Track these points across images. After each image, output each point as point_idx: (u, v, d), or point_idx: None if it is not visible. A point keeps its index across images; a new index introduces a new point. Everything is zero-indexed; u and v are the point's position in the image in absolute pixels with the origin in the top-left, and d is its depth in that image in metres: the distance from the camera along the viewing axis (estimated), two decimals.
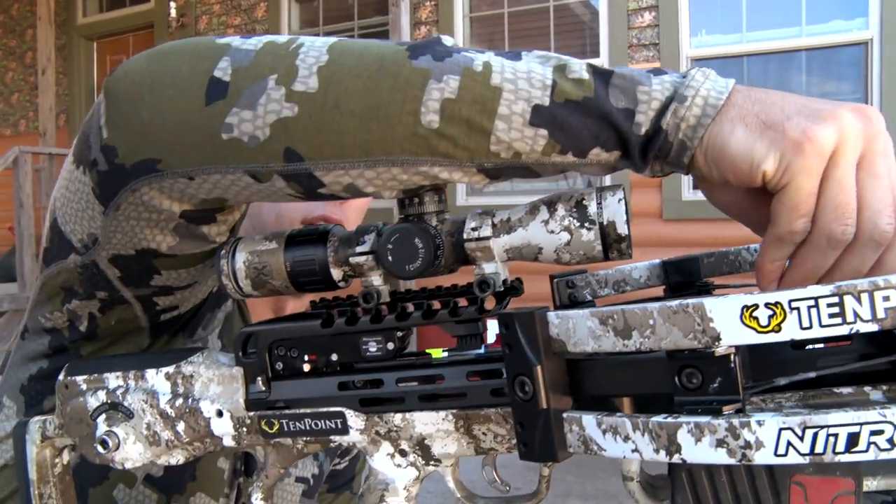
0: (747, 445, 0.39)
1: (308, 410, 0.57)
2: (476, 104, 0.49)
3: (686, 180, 4.67)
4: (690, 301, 0.40)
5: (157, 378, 0.62)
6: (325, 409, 0.57)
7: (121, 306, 0.69)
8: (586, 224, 0.49)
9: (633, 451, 0.43)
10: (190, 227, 0.61)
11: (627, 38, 5.06)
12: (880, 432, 0.35)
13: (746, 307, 0.39)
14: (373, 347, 0.56)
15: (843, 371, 0.46)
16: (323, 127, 0.51)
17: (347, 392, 0.56)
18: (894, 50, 4.42)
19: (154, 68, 0.56)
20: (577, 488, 3.12)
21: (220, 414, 0.60)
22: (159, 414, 0.61)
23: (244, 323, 0.89)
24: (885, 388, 0.48)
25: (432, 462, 0.56)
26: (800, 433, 0.38)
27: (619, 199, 0.49)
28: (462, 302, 0.54)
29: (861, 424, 0.36)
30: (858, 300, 0.36)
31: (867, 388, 0.48)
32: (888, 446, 0.35)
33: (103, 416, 0.62)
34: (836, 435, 0.37)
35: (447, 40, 0.54)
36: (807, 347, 0.49)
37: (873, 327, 0.36)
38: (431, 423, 0.54)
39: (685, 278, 0.66)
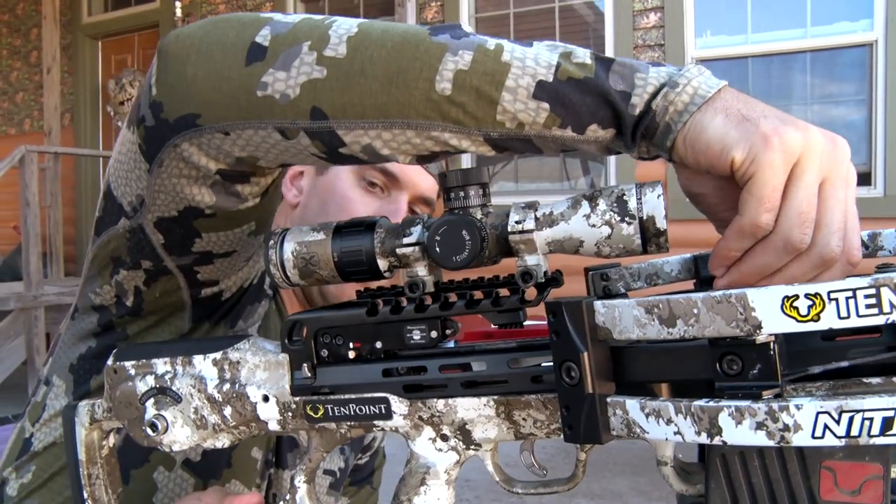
0: (786, 428, 0.41)
1: (353, 396, 0.59)
2: (486, 76, 0.54)
3: None
4: (734, 291, 0.42)
5: (204, 364, 0.64)
6: (369, 395, 0.59)
7: (164, 277, 0.73)
8: (626, 218, 0.51)
9: (675, 433, 0.45)
10: (226, 185, 0.66)
11: (633, 38, 5.07)
12: None
13: (787, 297, 0.41)
14: (416, 335, 0.58)
15: (875, 361, 0.48)
16: (348, 89, 0.56)
17: (392, 378, 0.59)
18: None
19: (203, 33, 0.60)
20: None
21: (266, 399, 0.62)
22: (207, 398, 0.64)
23: (281, 320, 0.91)
24: None
25: (472, 446, 0.58)
26: (836, 417, 0.40)
27: (659, 195, 0.51)
28: (503, 292, 0.56)
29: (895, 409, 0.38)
30: (895, 291, 0.39)
31: None
32: None
33: (152, 399, 0.65)
34: (871, 419, 0.39)
35: (465, 27, 0.59)
36: (836, 339, 0.51)
37: None
38: (473, 409, 0.56)
39: None
